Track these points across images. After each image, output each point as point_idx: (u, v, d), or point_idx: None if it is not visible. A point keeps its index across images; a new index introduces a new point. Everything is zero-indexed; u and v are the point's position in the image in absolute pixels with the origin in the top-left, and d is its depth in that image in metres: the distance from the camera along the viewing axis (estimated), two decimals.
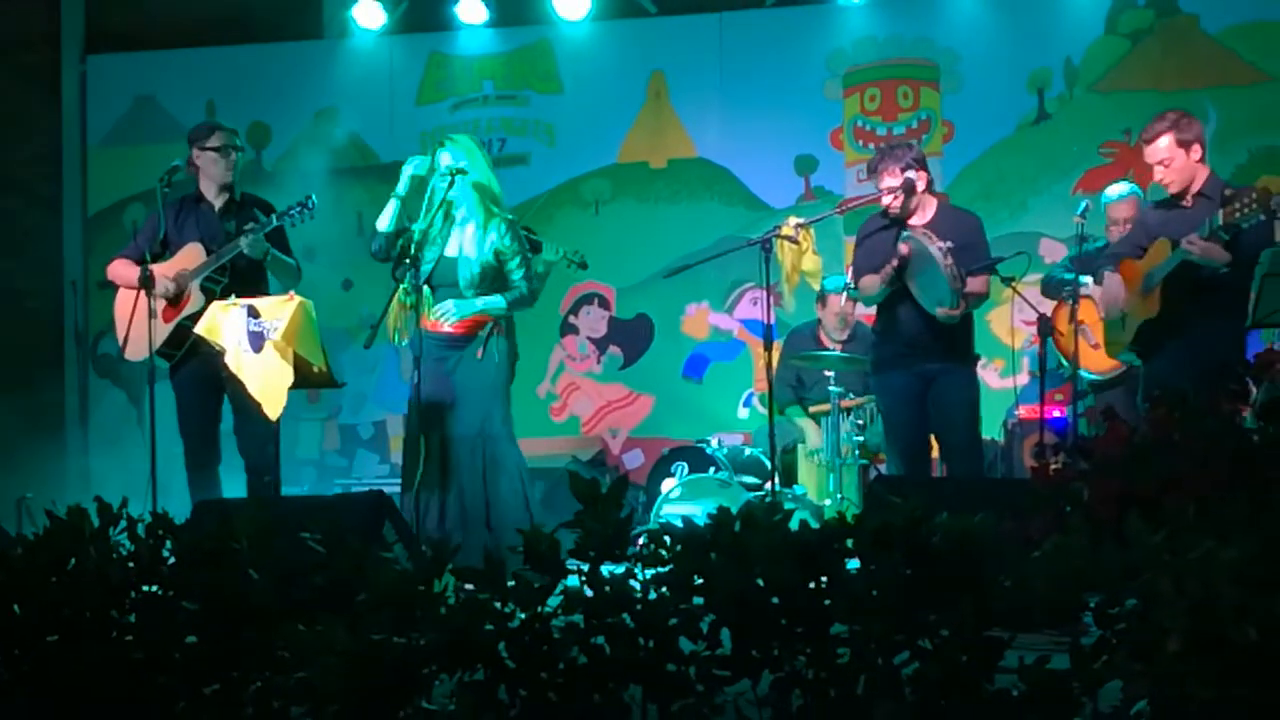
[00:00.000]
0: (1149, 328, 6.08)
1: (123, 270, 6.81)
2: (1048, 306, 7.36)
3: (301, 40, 9.99)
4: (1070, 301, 6.62)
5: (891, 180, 6.43)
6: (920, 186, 6.44)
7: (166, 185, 6.68)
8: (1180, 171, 6.07)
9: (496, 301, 6.34)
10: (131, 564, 3.23)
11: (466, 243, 6.32)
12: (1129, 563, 2.64)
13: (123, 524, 3.31)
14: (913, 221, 6.45)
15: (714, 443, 8.29)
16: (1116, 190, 7.42)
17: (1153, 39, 8.89)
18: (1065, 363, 7.27)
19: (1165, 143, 6.06)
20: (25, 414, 8.91)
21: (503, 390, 6.40)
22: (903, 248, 6.28)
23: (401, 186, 6.39)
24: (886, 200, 6.45)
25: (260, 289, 6.68)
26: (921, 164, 6.49)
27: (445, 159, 6.29)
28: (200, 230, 6.74)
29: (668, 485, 7.87)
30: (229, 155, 6.78)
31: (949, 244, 6.19)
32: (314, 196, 6.66)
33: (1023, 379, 8.46)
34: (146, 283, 6.52)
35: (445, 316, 6.28)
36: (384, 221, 6.37)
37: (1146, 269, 6.11)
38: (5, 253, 9.87)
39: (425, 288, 6.29)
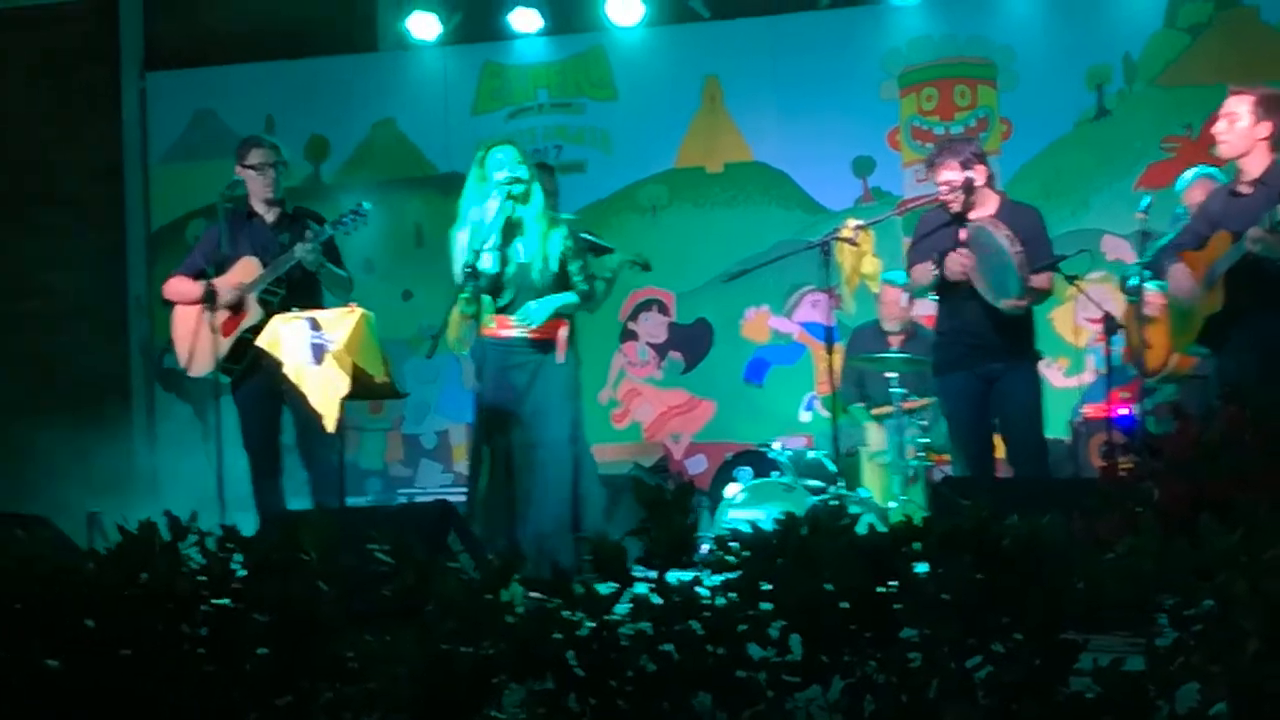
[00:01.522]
0: (1214, 322, 5.98)
1: (180, 287, 6.82)
2: (1112, 304, 7.29)
3: (357, 53, 10.06)
4: (1134, 302, 6.53)
5: (950, 174, 6.31)
6: (979, 182, 6.33)
7: (228, 200, 6.72)
8: (1239, 136, 5.82)
9: (570, 298, 6.32)
10: (202, 577, 3.24)
11: (537, 247, 6.27)
12: (1203, 563, 2.61)
13: (192, 538, 3.33)
14: (973, 215, 6.35)
15: (776, 446, 8.26)
16: (1185, 176, 7.29)
17: (1212, 32, 8.80)
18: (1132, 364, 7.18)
19: (1243, 102, 5.82)
20: (93, 430, 9.00)
21: (580, 395, 6.42)
22: (960, 258, 6.20)
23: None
24: (945, 196, 6.35)
25: (316, 301, 6.68)
26: (980, 159, 6.37)
27: (502, 174, 6.20)
28: (253, 244, 6.73)
29: (731, 490, 7.84)
30: (266, 172, 6.73)
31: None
32: (365, 203, 6.64)
33: (1088, 377, 8.38)
34: (210, 298, 6.54)
35: (529, 320, 6.23)
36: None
37: (1208, 262, 6.01)
38: (70, 269, 9.99)
39: (486, 296, 6.28)
